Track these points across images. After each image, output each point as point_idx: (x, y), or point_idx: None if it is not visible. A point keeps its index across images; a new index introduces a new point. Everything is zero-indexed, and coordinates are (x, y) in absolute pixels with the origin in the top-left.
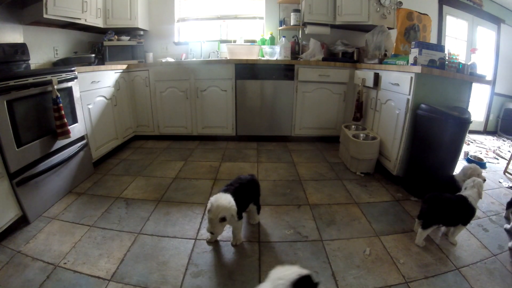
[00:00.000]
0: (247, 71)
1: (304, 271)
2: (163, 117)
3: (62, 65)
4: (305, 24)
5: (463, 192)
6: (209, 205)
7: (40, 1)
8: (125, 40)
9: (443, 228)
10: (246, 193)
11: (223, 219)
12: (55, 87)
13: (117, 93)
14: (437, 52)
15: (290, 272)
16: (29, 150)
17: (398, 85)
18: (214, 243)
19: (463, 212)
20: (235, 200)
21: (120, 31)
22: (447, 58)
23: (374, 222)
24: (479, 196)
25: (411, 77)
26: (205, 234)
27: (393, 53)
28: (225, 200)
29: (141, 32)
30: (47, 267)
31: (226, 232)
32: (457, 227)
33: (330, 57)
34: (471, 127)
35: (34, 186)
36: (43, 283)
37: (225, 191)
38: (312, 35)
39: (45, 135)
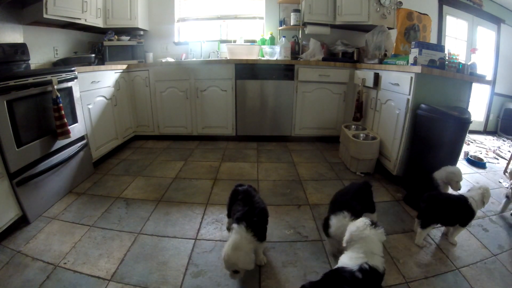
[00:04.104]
0: (247, 71)
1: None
2: (163, 117)
3: (62, 65)
4: (305, 24)
5: (466, 193)
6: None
7: (40, 1)
8: (125, 40)
9: (443, 228)
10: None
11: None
12: (55, 87)
13: (117, 93)
14: (437, 52)
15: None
16: (29, 150)
17: (398, 85)
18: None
19: (461, 212)
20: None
21: (120, 31)
22: (447, 58)
23: None
24: (483, 203)
25: (411, 77)
26: (205, 234)
27: (393, 53)
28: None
29: (141, 32)
30: (47, 267)
31: (226, 233)
32: (455, 227)
33: (330, 57)
34: (471, 127)
35: (34, 186)
36: (43, 283)
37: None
38: (312, 35)
39: (45, 135)
